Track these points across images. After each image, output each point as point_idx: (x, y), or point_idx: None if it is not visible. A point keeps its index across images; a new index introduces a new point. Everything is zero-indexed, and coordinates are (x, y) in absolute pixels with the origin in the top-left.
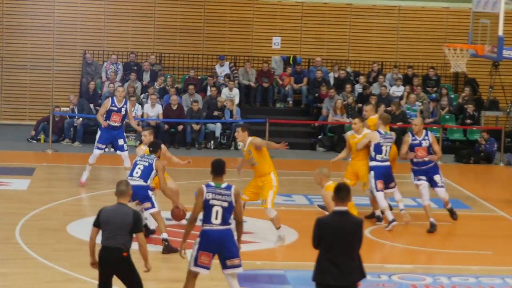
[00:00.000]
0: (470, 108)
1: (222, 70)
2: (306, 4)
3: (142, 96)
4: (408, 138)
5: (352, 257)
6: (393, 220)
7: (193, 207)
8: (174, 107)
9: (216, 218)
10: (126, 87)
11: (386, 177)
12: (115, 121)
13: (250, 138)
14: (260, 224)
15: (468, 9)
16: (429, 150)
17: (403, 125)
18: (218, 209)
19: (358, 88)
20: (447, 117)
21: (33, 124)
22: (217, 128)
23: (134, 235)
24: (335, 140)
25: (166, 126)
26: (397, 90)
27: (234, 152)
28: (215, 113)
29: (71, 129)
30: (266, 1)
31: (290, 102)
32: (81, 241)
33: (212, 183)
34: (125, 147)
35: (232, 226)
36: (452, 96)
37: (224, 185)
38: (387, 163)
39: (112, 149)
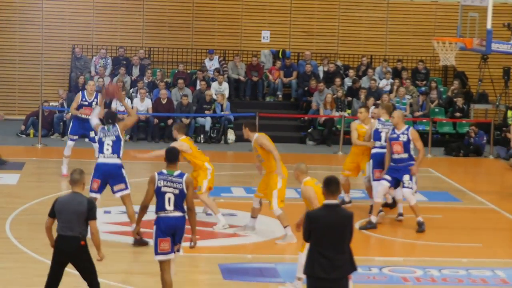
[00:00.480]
0: (459, 101)
1: (212, 64)
2: None
3: (131, 90)
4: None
5: (342, 250)
6: (381, 211)
7: (145, 194)
8: (164, 101)
9: (169, 205)
10: (115, 81)
11: (383, 165)
12: (86, 114)
13: (256, 135)
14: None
15: (456, 3)
16: (406, 146)
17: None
18: (170, 196)
19: (348, 81)
20: (436, 110)
21: (22, 119)
22: (207, 122)
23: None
24: (325, 134)
25: (155, 121)
26: (387, 84)
27: (224, 146)
28: (205, 107)
29: (61, 123)
30: None
31: (280, 96)
32: None
33: (165, 171)
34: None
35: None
36: (442, 89)
37: (176, 172)
38: (385, 150)
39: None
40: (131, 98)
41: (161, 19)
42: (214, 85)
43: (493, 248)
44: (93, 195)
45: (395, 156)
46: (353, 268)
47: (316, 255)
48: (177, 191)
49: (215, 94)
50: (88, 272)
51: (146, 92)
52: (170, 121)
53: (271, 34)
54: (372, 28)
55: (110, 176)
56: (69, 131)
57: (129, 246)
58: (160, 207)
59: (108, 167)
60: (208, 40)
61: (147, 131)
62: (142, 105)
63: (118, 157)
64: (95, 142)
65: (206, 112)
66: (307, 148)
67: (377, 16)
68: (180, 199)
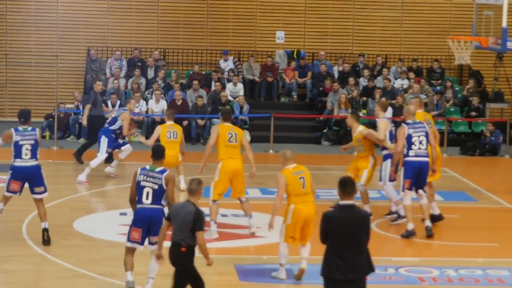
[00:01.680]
0: (475, 100)
1: (226, 65)
2: None
3: (146, 92)
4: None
5: (359, 251)
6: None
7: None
8: (179, 103)
9: (147, 199)
10: (130, 83)
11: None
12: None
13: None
14: (266, 218)
15: (471, 1)
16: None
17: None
18: (149, 190)
19: (363, 81)
20: (452, 109)
21: (38, 121)
22: None
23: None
24: (340, 134)
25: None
26: (402, 83)
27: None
28: (220, 108)
29: (76, 125)
30: None
31: (295, 96)
32: (88, 237)
33: (147, 167)
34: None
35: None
36: (457, 88)
37: (159, 169)
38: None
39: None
40: (146, 100)
41: (176, 20)
42: (229, 86)
43: (510, 247)
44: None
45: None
46: (370, 269)
47: (333, 256)
48: (156, 186)
49: (230, 95)
50: (195, 279)
51: (161, 93)
52: (185, 122)
53: (285, 34)
54: (387, 27)
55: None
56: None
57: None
58: (139, 200)
59: (29, 170)
60: (222, 41)
61: None
62: (157, 106)
63: (36, 160)
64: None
65: None
66: (322, 148)
67: (391, 16)
68: (158, 194)
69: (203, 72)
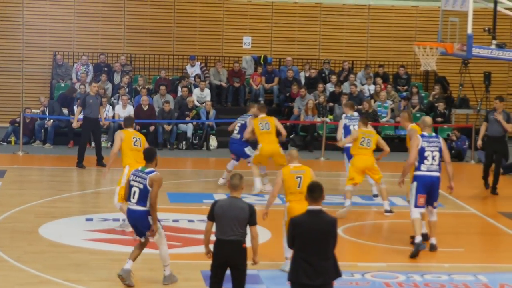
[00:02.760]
0: (440, 106)
1: (193, 70)
2: (276, 3)
3: (113, 97)
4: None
5: (326, 256)
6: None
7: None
8: (145, 108)
9: (133, 198)
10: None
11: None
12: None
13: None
14: None
15: (437, 8)
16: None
17: (374, 123)
18: (136, 190)
19: (330, 87)
20: (418, 115)
21: (3, 126)
22: (188, 128)
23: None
24: (307, 140)
25: (137, 127)
26: (369, 89)
27: (206, 153)
28: (187, 113)
29: (42, 130)
30: (236, 1)
31: (262, 101)
32: (53, 243)
33: (140, 168)
34: None
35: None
36: (423, 94)
37: (148, 170)
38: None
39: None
40: (113, 105)
41: (142, 25)
42: (196, 91)
43: (475, 252)
44: None
45: None
46: (337, 274)
47: (300, 261)
48: (141, 186)
49: (197, 101)
50: (242, 277)
51: (128, 98)
52: (152, 128)
53: (252, 40)
54: (353, 33)
55: None
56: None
57: (111, 253)
58: (127, 198)
59: None
60: (189, 46)
61: None
62: (124, 111)
63: None
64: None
65: (187, 118)
66: None
67: (358, 22)
68: (142, 194)
69: (170, 78)
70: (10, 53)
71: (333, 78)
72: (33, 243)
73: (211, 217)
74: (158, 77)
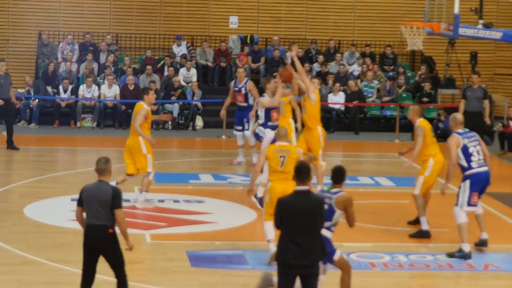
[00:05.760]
0: (426, 86)
1: (180, 50)
2: None
3: (99, 77)
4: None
5: (314, 237)
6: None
7: None
8: (131, 88)
9: None
10: (82, 67)
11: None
12: (240, 101)
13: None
14: (219, 204)
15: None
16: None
17: (360, 104)
18: None
19: (316, 67)
20: (404, 95)
21: None
22: (175, 108)
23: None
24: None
25: (123, 107)
26: (356, 70)
27: (192, 133)
28: (172, 93)
29: (27, 110)
30: None
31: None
32: (38, 223)
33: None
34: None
35: None
36: (409, 74)
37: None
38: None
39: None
40: (99, 85)
41: (129, 5)
42: (182, 71)
43: None
44: None
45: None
46: (324, 254)
47: (288, 242)
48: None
49: (183, 80)
50: (117, 261)
51: (114, 78)
52: None
53: (239, 19)
54: (340, 13)
55: None
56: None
57: None
58: None
59: None
60: (175, 26)
61: (115, 117)
62: (110, 91)
63: None
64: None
65: (173, 98)
66: None
67: (345, 1)
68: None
69: (156, 57)
70: None
71: (320, 58)
72: (18, 224)
73: (80, 202)
74: (144, 57)
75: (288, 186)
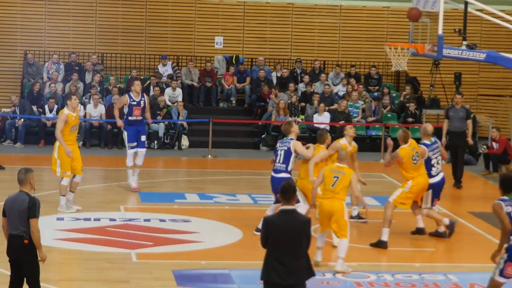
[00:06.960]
0: (411, 106)
1: (165, 70)
2: (248, 3)
3: (84, 96)
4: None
5: (299, 256)
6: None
7: None
8: None
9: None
10: (68, 87)
11: None
12: (136, 115)
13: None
14: (205, 223)
15: (408, 8)
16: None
17: (346, 123)
18: None
19: (302, 87)
20: (389, 115)
21: None
22: (160, 128)
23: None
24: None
25: (109, 126)
26: (341, 90)
27: (177, 152)
28: (158, 113)
29: (13, 130)
30: (208, 0)
31: (233, 101)
32: None
33: None
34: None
35: None
36: (394, 94)
37: None
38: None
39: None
40: (84, 104)
41: (114, 25)
42: (168, 91)
43: (446, 252)
44: None
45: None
46: (310, 274)
47: (273, 261)
48: None
49: (169, 100)
50: (31, 273)
51: (100, 98)
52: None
53: (224, 39)
54: (325, 33)
55: None
56: (126, 140)
57: (82, 253)
58: None
59: None
60: (161, 46)
61: (101, 137)
62: (96, 111)
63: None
64: (144, 147)
65: (158, 118)
66: (261, 153)
67: (330, 22)
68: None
69: (142, 77)
70: None
71: (306, 78)
72: (3, 243)
73: (4, 213)
74: (129, 77)
75: (335, 204)
